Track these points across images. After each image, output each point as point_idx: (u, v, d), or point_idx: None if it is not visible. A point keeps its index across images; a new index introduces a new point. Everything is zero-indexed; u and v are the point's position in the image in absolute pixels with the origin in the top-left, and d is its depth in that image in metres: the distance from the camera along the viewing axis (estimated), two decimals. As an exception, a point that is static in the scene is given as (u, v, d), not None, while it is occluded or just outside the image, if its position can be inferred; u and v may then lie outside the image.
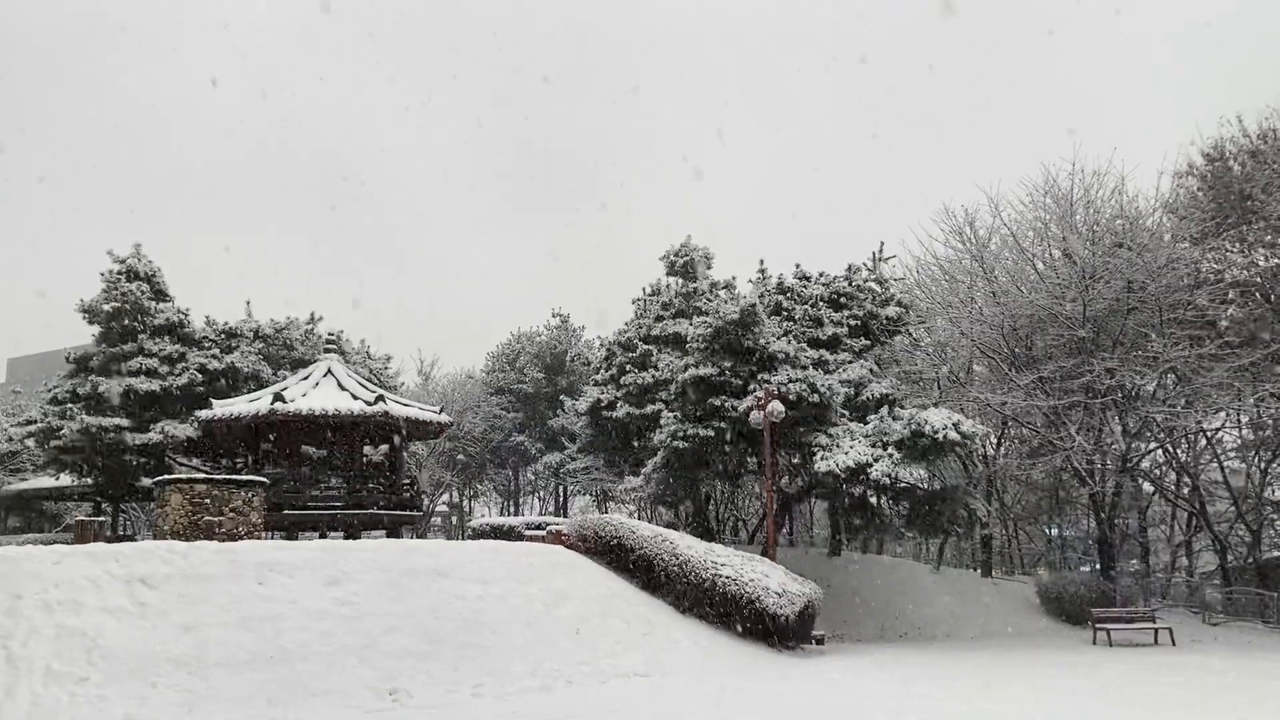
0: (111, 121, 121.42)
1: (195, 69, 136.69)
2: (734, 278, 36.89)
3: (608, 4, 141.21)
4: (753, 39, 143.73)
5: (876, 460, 24.14)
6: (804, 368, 26.58)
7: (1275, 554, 34.13)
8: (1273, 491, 32.68)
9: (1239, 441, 33.08)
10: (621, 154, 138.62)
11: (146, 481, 29.61)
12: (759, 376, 25.70)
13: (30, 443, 33.68)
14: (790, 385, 24.82)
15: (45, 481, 36.84)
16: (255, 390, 30.01)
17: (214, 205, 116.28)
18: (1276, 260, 29.18)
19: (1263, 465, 31.86)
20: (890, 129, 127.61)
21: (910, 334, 34.20)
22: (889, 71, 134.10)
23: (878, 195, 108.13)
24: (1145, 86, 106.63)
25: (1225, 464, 33.05)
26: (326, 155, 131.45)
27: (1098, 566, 31.69)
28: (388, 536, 27.29)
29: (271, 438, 28.37)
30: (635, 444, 32.37)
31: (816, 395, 25.04)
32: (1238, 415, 31.94)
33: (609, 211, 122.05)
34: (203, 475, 23.11)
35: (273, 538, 23.83)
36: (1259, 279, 29.23)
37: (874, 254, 36.78)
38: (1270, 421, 30.87)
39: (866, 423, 25.88)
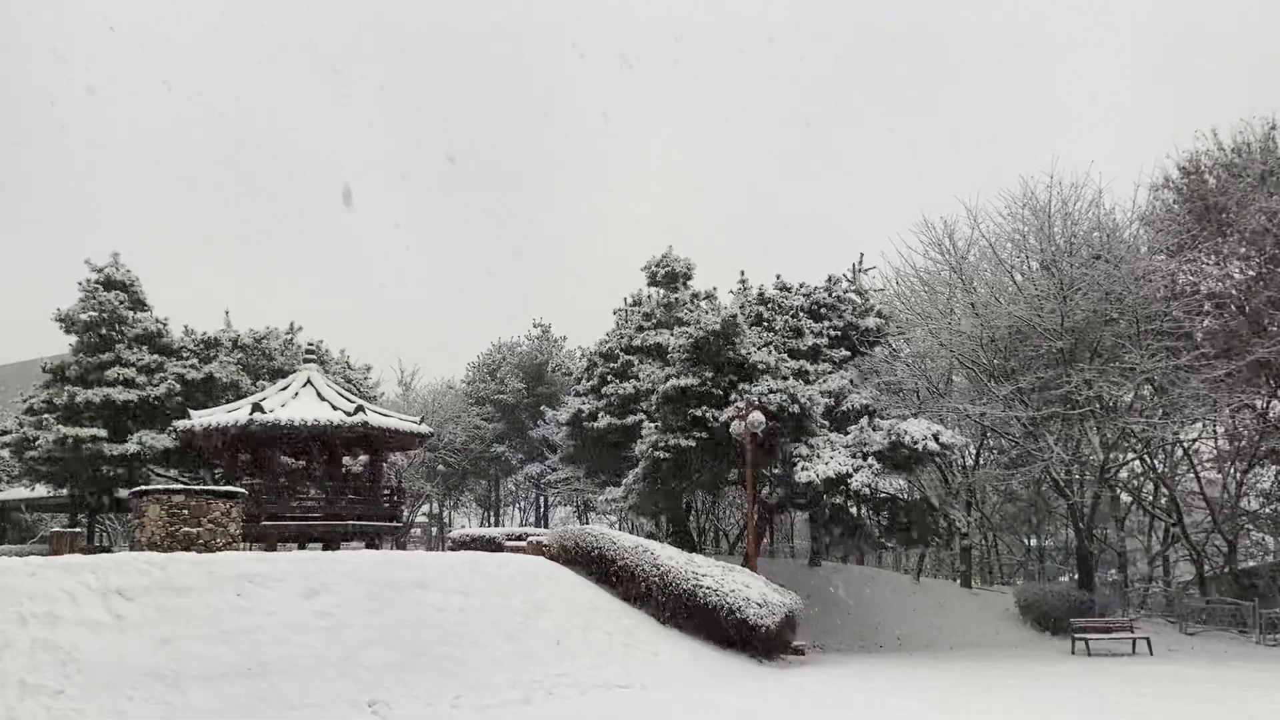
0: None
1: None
2: (715, 288, 36.98)
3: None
4: (720, 40, 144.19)
5: (857, 470, 24.21)
6: (785, 378, 26.64)
7: (1251, 564, 34.41)
8: (1248, 502, 32.96)
9: (1215, 452, 33.36)
10: (595, 156, 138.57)
11: (123, 492, 29.32)
12: (740, 387, 25.74)
13: (5, 453, 33.37)
14: (771, 396, 24.87)
15: (20, 492, 36.46)
16: (234, 400, 29.82)
17: (162, 211, 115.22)
18: (1251, 272, 29.50)
19: (1238, 476, 32.13)
20: (871, 137, 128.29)
21: (890, 345, 34.36)
22: (869, 77, 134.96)
23: (858, 206, 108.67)
24: (1122, 100, 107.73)
25: (1202, 474, 33.31)
26: (268, 162, 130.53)
27: (1076, 576, 31.88)
28: (367, 547, 27.17)
29: (250, 448, 28.21)
30: (617, 454, 32.34)
31: (797, 406, 25.09)
32: (1214, 426, 32.22)
33: (574, 216, 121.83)
34: (180, 486, 22.95)
35: (251, 549, 23.67)
36: (1234, 291, 29.54)
37: (854, 265, 37.04)
38: (1245, 432, 31.15)
39: (847, 433, 25.97)
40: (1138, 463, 33.55)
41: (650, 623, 19.47)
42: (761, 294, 34.00)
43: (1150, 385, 29.61)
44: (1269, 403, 30.35)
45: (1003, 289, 30.69)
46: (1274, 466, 32.03)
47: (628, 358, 33.42)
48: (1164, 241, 29.25)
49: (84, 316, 31.42)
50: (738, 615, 19.33)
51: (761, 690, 16.04)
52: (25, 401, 32.45)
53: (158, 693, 11.61)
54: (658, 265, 35.43)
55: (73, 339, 32.16)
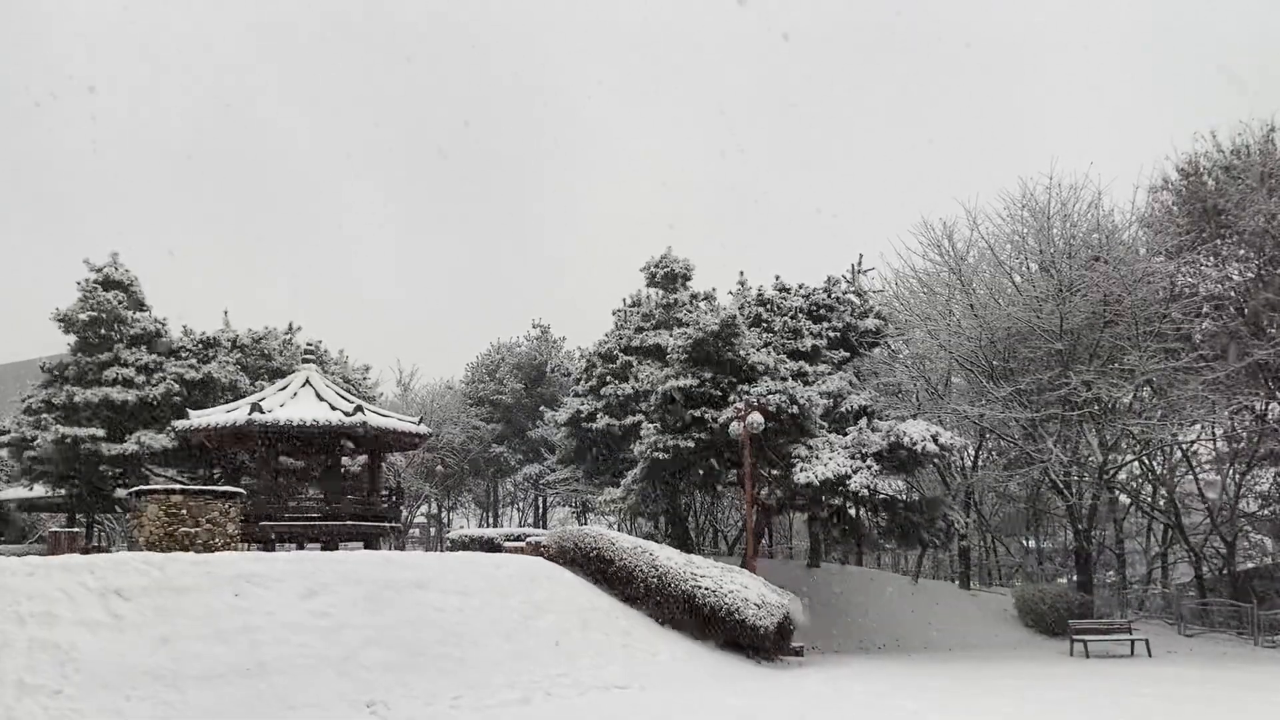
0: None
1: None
2: (714, 289, 36.97)
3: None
4: (718, 41, 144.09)
5: (855, 472, 24.21)
6: (783, 379, 26.65)
7: (1250, 565, 34.43)
8: (1247, 504, 32.97)
9: (1214, 454, 33.37)
10: (586, 157, 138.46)
11: (122, 492, 29.30)
12: (739, 388, 25.75)
13: (4, 453, 33.32)
14: (770, 397, 24.88)
15: (19, 492, 36.41)
16: (233, 400, 29.80)
17: (161, 211, 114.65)
18: (1250, 274, 29.52)
19: (1237, 477, 32.13)
20: (870, 138, 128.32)
21: (889, 346, 34.36)
22: (867, 76, 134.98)
23: (857, 207, 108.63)
24: (1122, 100, 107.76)
25: (1200, 476, 33.31)
26: (267, 163, 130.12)
27: (1075, 578, 31.88)
28: (365, 548, 27.16)
29: (249, 449, 28.15)
30: (615, 455, 32.34)
31: (796, 407, 25.10)
32: (1212, 428, 32.23)
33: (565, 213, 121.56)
34: (179, 486, 22.93)
35: (249, 549, 23.65)
36: (1232, 293, 29.55)
37: (853, 266, 37.06)
38: (1244, 434, 31.16)
39: (845, 434, 25.97)
40: (1136, 464, 33.56)
41: (649, 623, 19.48)
42: (760, 295, 34.01)
43: (1149, 387, 29.62)
44: (1267, 404, 30.36)
45: (1002, 290, 30.71)
46: (1272, 468, 32.03)
47: (627, 358, 33.42)
48: (1163, 243, 29.26)
49: (83, 316, 31.38)
50: (736, 616, 19.33)
51: (760, 690, 16.04)
52: (24, 401, 32.40)
53: (156, 692, 11.61)
54: (657, 266, 35.44)
55: (71, 339, 32.11)
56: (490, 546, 27.67)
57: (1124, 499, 35.38)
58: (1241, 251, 29.50)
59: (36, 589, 12.45)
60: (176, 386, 31.56)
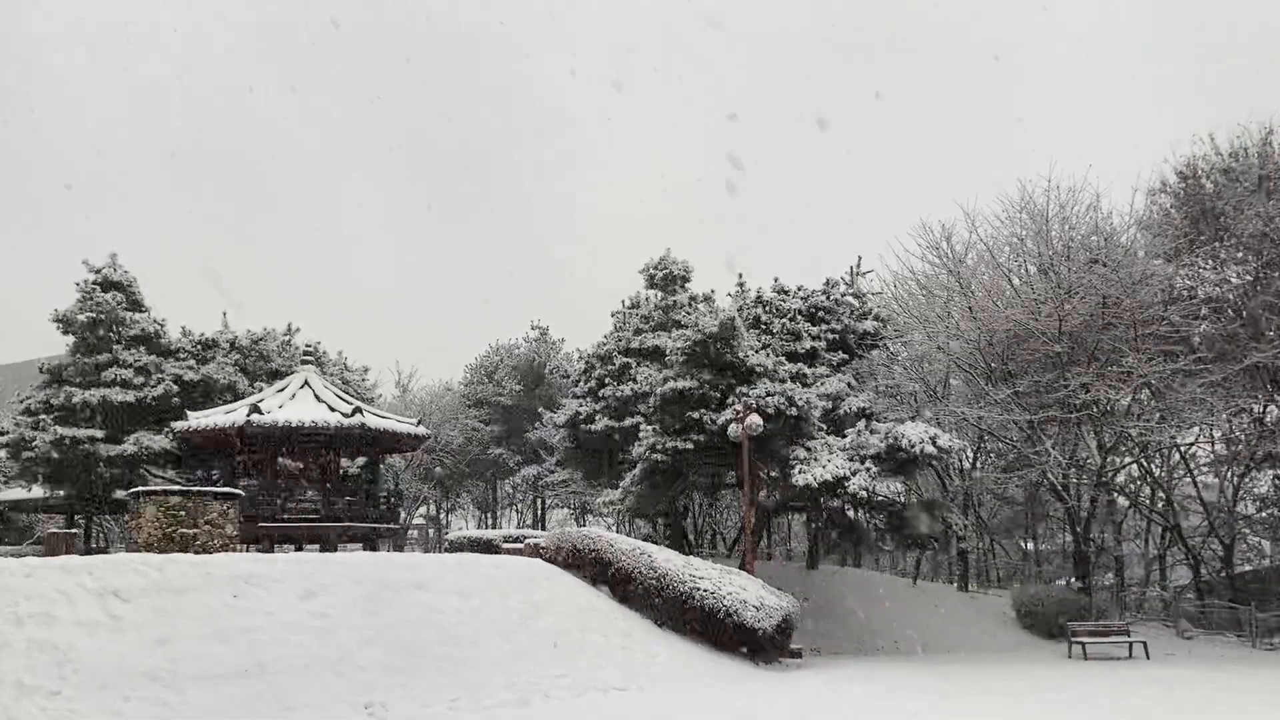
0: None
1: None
2: (713, 291, 36.86)
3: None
4: (716, 41, 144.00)
5: (854, 474, 24.22)
6: (782, 381, 26.65)
7: (1248, 568, 34.42)
8: (1245, 506, 32.97)
9: (1212, 456, 33.36)
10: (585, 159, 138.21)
11: (121, 493, 29.27)
12: (738, 390, 25.75)
13: (2, 454, 33.30)
14: (769, 399, 24.88)
15: (17, 493, 36.37)
16: (232, 402, 29.80)
17: (160, 212, 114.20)
18: (1248, 277, 29.53)
19: (1235, 480, 32.14)
20: (866, 140, 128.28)
21: (888, 348, 34.36)
22: (865, 77, 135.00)
23: (857, 208, 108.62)
24: (1121, 102, 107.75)
25: (1198, 478, 33.32)
26: (266, 163, 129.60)
27: (1073, 580, 31.89)
28: (364, 549, 27.16)
29: (248, 450, 28.16)
30: (614, 457, 32.32)
31: (794, 409, 25.10)
32: (1211, 430, 32.23)
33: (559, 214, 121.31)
34: (178, 487, 22.93)
35: (248, 550, 23.65)
36: (1230, 296, 29.56)
37: (852, 268, 36.96)
38: (1242, 436, 31.16)
39: (844, 436, 25.98)
40: (1135, 466, 33.56)
41: (647, 625, 19.48)
42: (759, 297, 33.98)
43: (1147, 389, 29.62)
44: (1266, 407, 30.37)
45: (1000, 293, 30.74)
46: (1271, 471, 32.03)
47: (625, 360, 33.37)
48: (1161, 246, 29.29)
49: (82, 317, 31.38)
50: (735, 618, 19.33)
51: (759, 692, 16.05)
52: (22, 402, 32.38)
53: (155, 693, 11.61)
54: (656, 268, 35.39)
55: (70, 340, 32.11)
56: (489, 548, 27.68)
57: (1122, 501, 35.36)
58: (1240, 254, 29.50)
59: (35, 590, 12.45)
60: (175, 388, 31.55)
